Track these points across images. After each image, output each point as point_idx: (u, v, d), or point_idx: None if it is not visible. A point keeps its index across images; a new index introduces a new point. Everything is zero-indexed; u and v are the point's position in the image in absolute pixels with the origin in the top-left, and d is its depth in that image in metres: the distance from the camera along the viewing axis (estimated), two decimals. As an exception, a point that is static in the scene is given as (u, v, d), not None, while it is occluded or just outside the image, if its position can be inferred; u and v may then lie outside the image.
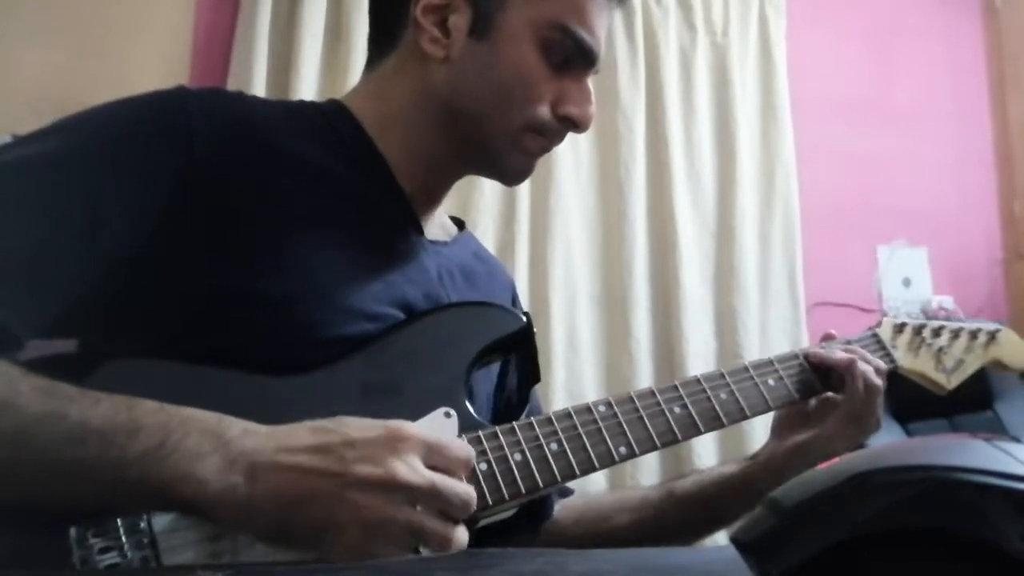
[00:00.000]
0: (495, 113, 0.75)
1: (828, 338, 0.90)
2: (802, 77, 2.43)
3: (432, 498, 0.56)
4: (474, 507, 0.58)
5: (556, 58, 0.75)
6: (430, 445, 0.58)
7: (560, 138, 0.79)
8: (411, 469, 0.55)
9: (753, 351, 2.17)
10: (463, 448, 0.60)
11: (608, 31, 0.79)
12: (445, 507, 0.57)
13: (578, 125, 0.77)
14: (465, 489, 0.58)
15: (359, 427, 0.57)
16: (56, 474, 0.54)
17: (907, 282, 2.53)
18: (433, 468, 0.57)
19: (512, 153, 0.78)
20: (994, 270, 2.66)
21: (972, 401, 2.06)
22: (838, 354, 0.84)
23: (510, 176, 0.82)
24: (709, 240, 2.25)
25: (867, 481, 0.33)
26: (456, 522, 0.58)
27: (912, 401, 1.84)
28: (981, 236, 2.67)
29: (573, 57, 0.75)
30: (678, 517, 0.86)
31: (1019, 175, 2.70)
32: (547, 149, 0.79)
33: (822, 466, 0.36)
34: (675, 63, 2.27)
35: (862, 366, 0.83)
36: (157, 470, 0.53)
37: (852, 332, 0.93)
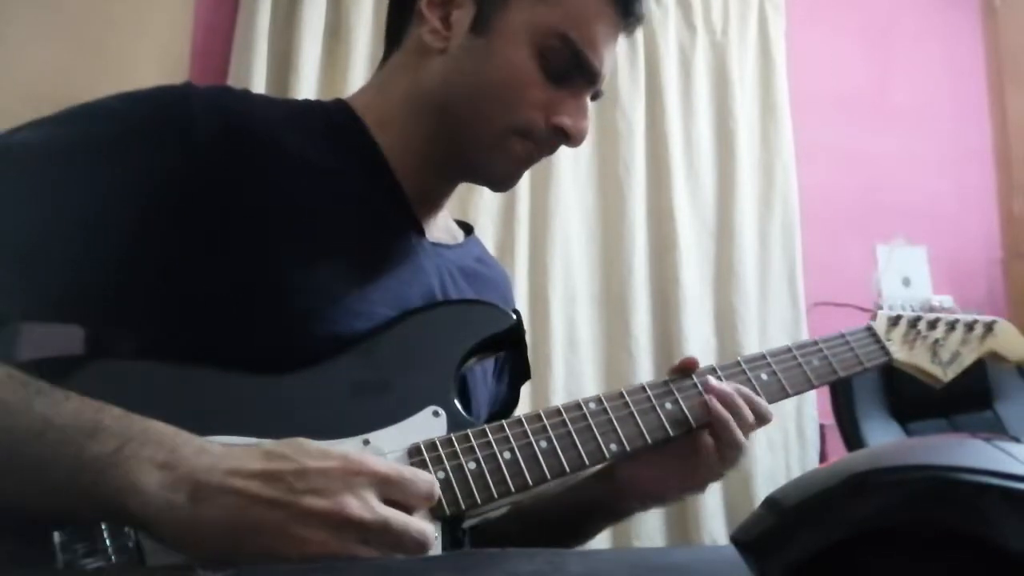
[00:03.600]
0: (482, 111, 0.74)
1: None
2: (801, 76, 2.43)
3: (383, 535, 0.53)
4: (431, 545, 0.55)
5: (552, 67, 0.73)
6: (388, 478, 0.55)
7: (549, 148, 0.78)
8: (363, 504, 0.53)
9: (752, 350, 2.17)
10: (425, 482, 0.58)
11: (614, 58, 0.77)
12: (397, 545, 0.54)
13: (570, 137, 0.76)
14: (419, 527, 0.55)
15: (317, 455, 0.55)
16: (11, 468, 0.53)
17: (906, 281, 2.53)
18: (390, 502, 0.55)
19: (496, 155, 0.77)
20: (993, 269, 2.66)
21: (972, 401, 2.06)
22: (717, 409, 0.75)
23: (494, 180, 0.81)
24: (708, 239, 2.25)
25: (866, 481, 0.33)
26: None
27: (912, 400, 1.83)
28: (980, 235, 2.67)
29: (570, 69, 0.74)
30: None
31: (1018, 173, 2.70)
32: (534, 157, 0.77)
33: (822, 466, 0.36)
34: (675, 62, 2.27)
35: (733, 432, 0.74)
36: (108, 476, 0.51)
37: (851, 332, 0.92)
